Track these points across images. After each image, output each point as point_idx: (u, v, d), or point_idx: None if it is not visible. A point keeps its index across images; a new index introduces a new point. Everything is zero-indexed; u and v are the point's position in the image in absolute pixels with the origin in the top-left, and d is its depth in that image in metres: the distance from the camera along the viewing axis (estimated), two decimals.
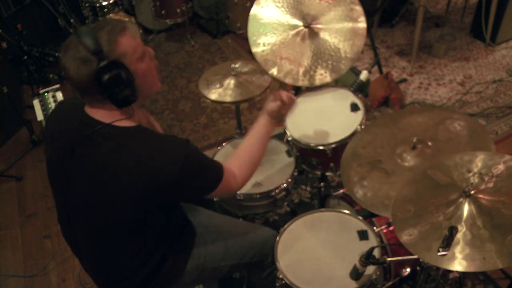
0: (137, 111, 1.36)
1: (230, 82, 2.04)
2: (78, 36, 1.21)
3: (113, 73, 1.20)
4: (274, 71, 1.94)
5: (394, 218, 1.23)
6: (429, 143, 1.53)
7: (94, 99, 1.28)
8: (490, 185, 1.20)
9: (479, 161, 1.26)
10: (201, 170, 1.35)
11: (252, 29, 2.01)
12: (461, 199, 1.19)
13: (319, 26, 1.97)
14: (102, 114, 1.29)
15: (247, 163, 1.49)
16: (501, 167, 1.23)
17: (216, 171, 1.39)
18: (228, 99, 2.00)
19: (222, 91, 2.02)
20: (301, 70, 1.90)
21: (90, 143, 1.28)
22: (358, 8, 1.95)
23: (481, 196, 1.18)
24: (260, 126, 1.56)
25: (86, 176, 1.31)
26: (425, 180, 1.29)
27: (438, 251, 1.11)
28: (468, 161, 1.27)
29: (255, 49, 1.98)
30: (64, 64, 1.22)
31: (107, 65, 1.20)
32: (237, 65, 2.08)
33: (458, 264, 1.09)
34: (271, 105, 1.56)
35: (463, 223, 1.14)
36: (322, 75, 1.90)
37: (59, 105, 1.53)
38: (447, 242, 1.11)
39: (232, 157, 1.51)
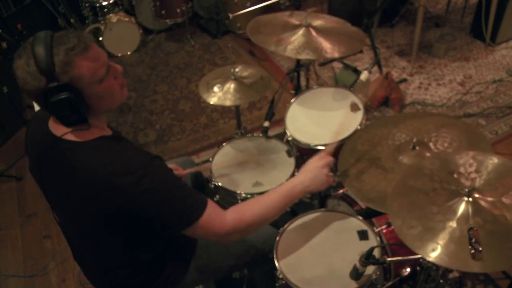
0: (100, 122, 1.29)
1: (230, 86, 2.04)
2: (34, 45, 1.11)
3: (61, 96, 1.12)
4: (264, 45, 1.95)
5: (401, 233, 1.20)
6: (427, 141, 1.54)
7: (44, 110, 1.21)
8: (491, 185, 1.20)
9: (478, 162, 1.26)
10: (163, 195, 1.21)
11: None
12: (461, 200, 1.18)
13: (318, 27, 1.97)
14: (59, 126, 1.23)
15: (250, 218, 1.35)
16: (499, 167, 1.24)
17: (192, 206, 1.26)
18: (228, 103, 2.00)
19: (222, 95, 2.02)
20: (289, 47, 1.90)
21: (50, 161, 1.26)
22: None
23: (482, 197, 1.18)
24: (284, 188, 1.44)
25: (54, 192, 1.32)
26: (411, 192, 1.27)
27: (473, 257, 1.08)
28: (467, 162, 1.27)
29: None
30: (15, 70, 1.14)
31: (56, 87, 1.11)
32: (237, 69, 2.08)
33: (460, 264, 1.08)
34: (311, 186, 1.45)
35: (464, 224, 1.14)
36: (309, 54, 1.89)
37: (33, 117, 1.45)
38: (476, 244, 1.09)
39: (242, 203, 1.41)
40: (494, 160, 1.26)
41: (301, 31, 1.95)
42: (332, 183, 1.50)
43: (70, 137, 1.22)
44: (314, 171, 1.47)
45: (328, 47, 1.88)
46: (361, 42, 1.95)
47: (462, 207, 1.17)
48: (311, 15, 2.07)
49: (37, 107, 2.75)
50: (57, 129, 1.24)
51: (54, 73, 1.11)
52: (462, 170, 1.26)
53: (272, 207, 1.39)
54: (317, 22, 2.02)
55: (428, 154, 1.51)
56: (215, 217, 1.30)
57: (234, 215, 1.34)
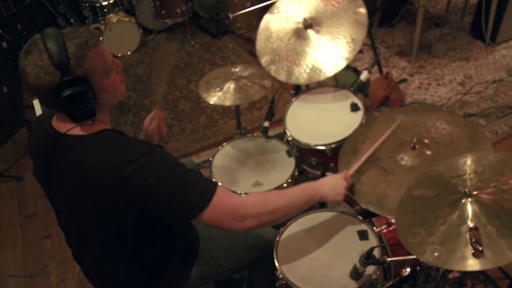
0: (104, 117, 1.29)
1: (230, 86, 2.05)
2: (45, 40, 1.11)
3: (75, 90, 1.12)
4: (272, 69, 1.97)
5: (407, 245, 1.20)
6: (427, 141, 1.53)
7: (51, 107, 1.21)
8: (489, 182, 1.20)
9: (473, 161, 1.26)
10: (169, 182, 1.20)
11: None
12: (463, 201, 1.18)
13: (318, 28, 1.97)
14: (64, 124, 1.24)
15: (269, 203, 1.34)
16: (499, 163, 1.23)
17: (200, 192, 1.23)
18: (227, 103, 2.00)
19: (221, 95, 2.02)
20: (296, 68, 1.91)
21: (58, 159, 1.26)
22: (363, 11, 1.97)
23: (482, 195, 1.18)
24: (302, 185, 1.45)
25: (60, 189, 1.32)
26: (417, 201, 1.27)
27: (474, 255, 1.08)
28: (463, 162, 1.27)
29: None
30: (24, 67, 1.13)
31: (71, 81, 1.12)
32: (237, 69, 2.08)
33: (472, 263, 1.08)
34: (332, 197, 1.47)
35: (469, 223, 1.14)
36: (316, 73, 1.90)
37: (35, 121, 1.43)
38: (476, 244, 1.09)
39: (261, 192, 1.40)
40: (493, 158, 1.26)
41: (306, 40, 1.95)
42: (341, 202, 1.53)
43: (75, 131, 1.23)
44: (338, 184, 1.49)
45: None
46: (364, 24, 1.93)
47: (464, 208, 1.17)
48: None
49: (37, 107, 2.76)
50: (62, 126, 1.25)
51: (69, 67, 1.12)
52: (462, 172, 1.26)
53: (293, 201, 1.38)
54: (317, 9, 2.02)
55: (428, 152, 1.51)
56: (228, 198, 1.27)
57: (255, 198, 1.33)
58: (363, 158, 1.56)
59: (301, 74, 1.93)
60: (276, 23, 2.09)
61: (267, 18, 2.12)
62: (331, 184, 1.48)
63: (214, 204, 1.23)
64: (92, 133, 1.23)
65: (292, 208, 1.38)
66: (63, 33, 1.14)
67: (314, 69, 1.91)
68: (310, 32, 1.97)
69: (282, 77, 1.96)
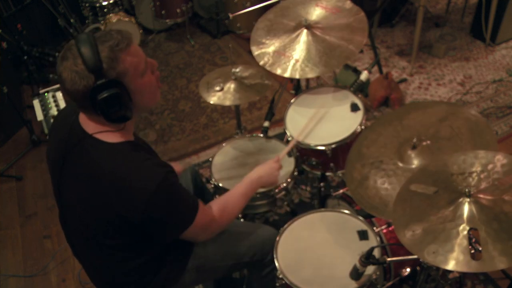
0: (130, 124, 1.31)
1: (230, 86, 2.04)
2: (78, 46, 1.14)
3: (110, 92, 1.15)
4: (265, 62, 1.96)
5: (403, 240, 1.20)
6: (428, 142, 1.52)
7: (87, 111, 1.25)
8: (489, 183, 1.20)
9: (475, 161, 1.26)
10: (172, 206, 1.28)
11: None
12: (462, 201, 1.18)
13: (318, 28, 1.97)
14: (91, 124, 1.26)
15: (230, 209, 1.50)
16: (497, 165, 1.23)
17: (190, 209, 1.34)
18: (227, 102, 2.00)
19: (221, 95, 2.02)
20: (292, 63, 1.90)
21: (75, 155, 1.27)
22: (362, 16, 1.96)
23: (481, 196, 1.18)
24: (247, 182, 1.60)
25: (71, 188, 1.33)
26: (414, 197, 1.27)
27: (473, 257, 1.08)
28: (464, 161, 1.27)
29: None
30: (60, 73, 1.17)
31: (105, 84, 1.14)
32: (237, 70, 2.08)
33: (468, 264, 1.08)
34: (261, 172, 1.65)
35: (465, 224, 1.14)
36: (312, 69, 1.89)
37: (62, 110, 1.48)
38: (475, 244, 1.09)
39: (219, 200, 1.53)
40: (495, 158, 1.25)
41: (302, 37, 1.95)
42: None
43: (100, 136, 1.25)
44: (272, 170, 1.68)
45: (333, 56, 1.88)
46: (364, 32, 1.93)
47: (463, 208, 1.17)
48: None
49: (37, 107, 2.76)
50: (89, 126, 1.27)
51: (102, 70, 1.14)
52: (462, 170, 1.25)
53: (245, 202, 1.56)
54: (317, 13, 2.02)
55: (429, 151, 1.50)
56: (206, 215, 1.39)
57: (221, 215, 1.46)
58: (293, 143, 1.82)
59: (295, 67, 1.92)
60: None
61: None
62: (268, 173, 1.65)
63: (195, 223, 1.34)
64: (115, 142, 1.25)
65: (243, 206, 1.56)
66: (96, 36, 1.16)
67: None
68: (306, 32, 1.97)
69: (275, 68, 1.94)
